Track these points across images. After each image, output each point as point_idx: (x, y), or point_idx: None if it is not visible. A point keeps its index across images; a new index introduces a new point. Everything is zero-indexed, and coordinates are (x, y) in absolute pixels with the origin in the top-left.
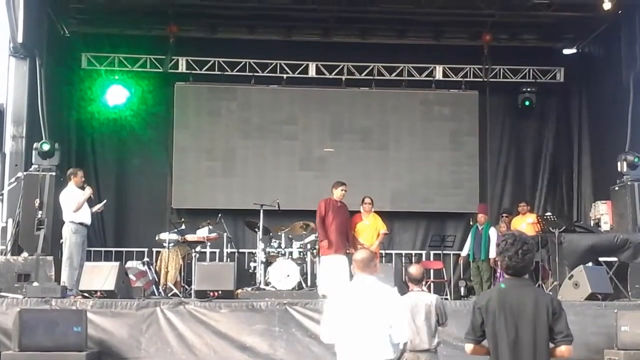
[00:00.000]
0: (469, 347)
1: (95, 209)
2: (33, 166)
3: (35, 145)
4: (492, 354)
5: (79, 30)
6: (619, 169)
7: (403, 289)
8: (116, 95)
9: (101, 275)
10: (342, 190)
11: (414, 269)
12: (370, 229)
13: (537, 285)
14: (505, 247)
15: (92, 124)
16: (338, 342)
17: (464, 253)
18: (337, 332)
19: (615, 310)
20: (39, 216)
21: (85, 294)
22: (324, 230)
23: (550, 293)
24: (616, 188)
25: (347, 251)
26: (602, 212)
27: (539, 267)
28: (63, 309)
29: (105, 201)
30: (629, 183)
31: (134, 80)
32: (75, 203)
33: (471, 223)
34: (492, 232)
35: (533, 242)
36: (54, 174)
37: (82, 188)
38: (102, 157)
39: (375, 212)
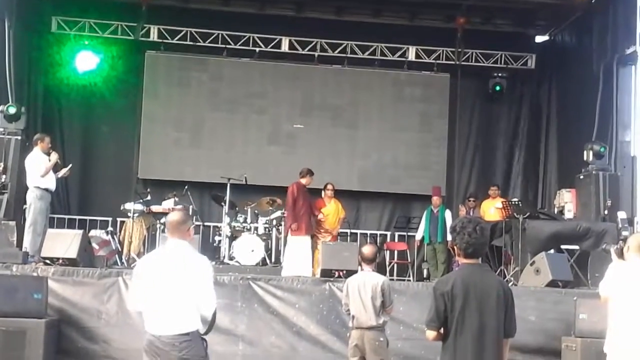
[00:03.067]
0: (431, 334)
1: (60, 173)
2: None
3: (1, 107)
4: (452, 339)
5: None
6: (585, 158)
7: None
8: (85, 61)
9: (64, 242)
10: (311, 179)
11: (367, 249)
12: (332, 215)
13: (498, 270)
14: (463, 225)
15: (61, 89)
16: (144, 310)
17: (418, 236)
18: (144, 299)
19: (575, 298)
20: (3, 180)
21: (47, 261)
22: (295, 214)
23: (513, 279)
24: (581, 177)
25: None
26: (567, 200)
27: (501, 252)
28: (24, 275)
29: (70, 165)
30: (594, 172)
31: (104, 47)
32: (43, 168)
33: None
34: (448, 215)
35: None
36: (19, 137)
37: (48, 154)
38: (69, 123)
39: (341, 191)
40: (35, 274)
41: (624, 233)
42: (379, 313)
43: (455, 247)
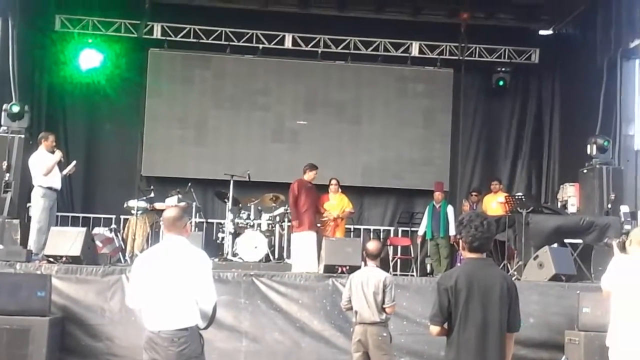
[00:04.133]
0: (435, 329)
1: (66, 171)
2: (2, 128)
3: (4, 106)
4: (456, 333)
5: None
6: (589, 152)
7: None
8: (89, 59)
9: (67, 240)
10: (315, 174)
11: (372, 245)
12: (336, 208)
13: (502, 264)
14: (470, 219)
15: (64, 87)
16: (144, 308)
17: (420, 232)
18: (143, 297)
19: (578, 292)
20: (6, 179)
21: (51, 259)
22: (297, 210)
23: (516, 274)
24: (585, 171)
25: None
26: (570, 194)
27: (505, 246)
28: (27, 273)
29: (75, 162)
30: (597, 166)
31: (108, 45)
32: (45, 167)
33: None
34: (450, 210)
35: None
36: (23, 136)
37: (52, 153)
38: (73, 121)
39: (345, 187)
40: (39, 272)
41: (627, 227)
42: (382, 310)
43: (460, 242)
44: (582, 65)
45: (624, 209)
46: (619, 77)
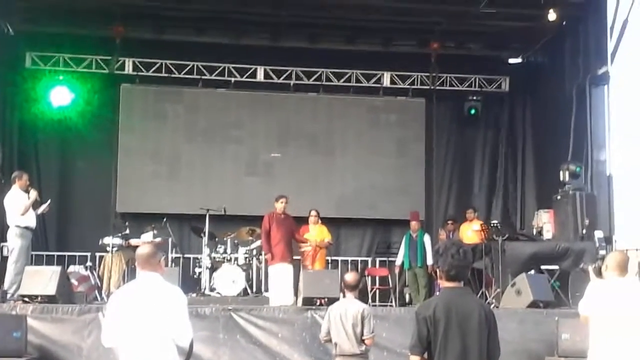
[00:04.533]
0: (415, 359)
1: (40, 210)
2: None
3: None
4: None
5: (23, 28)
6: (561, 179)
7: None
8: (60, 96)
9: (42, 279)
10: (282, 203)
11: (350, 276)
12: (314, 237)
13: (480, 292)
14: (446, 247)
15: (36, 124)
16: (120, 346)
17: (398, 262)
18: (118, 335)
19: (556, 318)
20: None
21: (26, 299)
22: (269, 244)
23: (494, 301)
24: (558, 197)
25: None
26: (545, 221)
27: (482, 274)
28: (2, 314)
29: (49, 201)
30: (570, 192)
31: (79, 81)
32: (22, 207)
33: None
34: (427, 239)
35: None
36: None
37: (27, 192)
38: (46, 159)
39: (322, 218)
40: (14, 313)
41: (601, 252)
42: (361, 341)
43: (437, 271)
44: (551, 93)
45: (598, 234)
46: (589, 103)
